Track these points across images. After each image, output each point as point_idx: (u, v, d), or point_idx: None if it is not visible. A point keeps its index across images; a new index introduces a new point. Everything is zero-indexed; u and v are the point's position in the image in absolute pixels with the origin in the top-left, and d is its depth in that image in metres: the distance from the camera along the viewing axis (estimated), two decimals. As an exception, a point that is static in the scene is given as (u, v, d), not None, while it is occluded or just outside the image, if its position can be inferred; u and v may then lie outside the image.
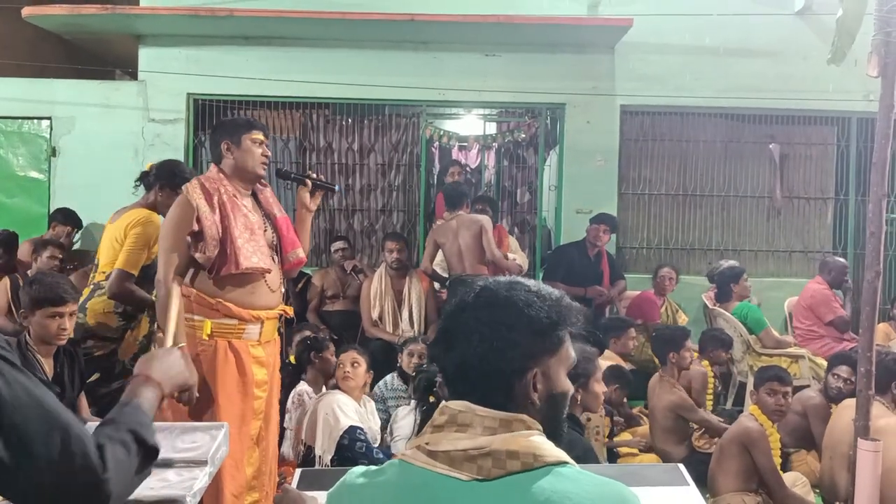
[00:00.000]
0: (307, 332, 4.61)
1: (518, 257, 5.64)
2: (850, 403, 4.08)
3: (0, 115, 6.33)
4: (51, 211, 5.86)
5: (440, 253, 5.39)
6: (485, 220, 5.20)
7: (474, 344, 1.19)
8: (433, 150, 7.21)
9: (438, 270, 5.49)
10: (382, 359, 5.15)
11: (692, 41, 6.39)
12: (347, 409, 3.70)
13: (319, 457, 3.65)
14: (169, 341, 2.69)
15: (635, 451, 4.28)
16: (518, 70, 6.39)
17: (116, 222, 3.72)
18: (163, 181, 3.74)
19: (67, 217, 5.64)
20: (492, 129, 6.98)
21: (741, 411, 5.31)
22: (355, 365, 3.85)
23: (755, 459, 3.50)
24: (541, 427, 1.20)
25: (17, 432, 1.11)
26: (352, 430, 3.61)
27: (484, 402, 1.19)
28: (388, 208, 6.82)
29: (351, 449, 3.57)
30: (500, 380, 1.19)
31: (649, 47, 6.39)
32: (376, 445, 3.77)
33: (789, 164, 6.79)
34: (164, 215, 3.69)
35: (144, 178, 3.86)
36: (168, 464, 1.85)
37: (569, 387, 1.26)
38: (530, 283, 1.27)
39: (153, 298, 3.59)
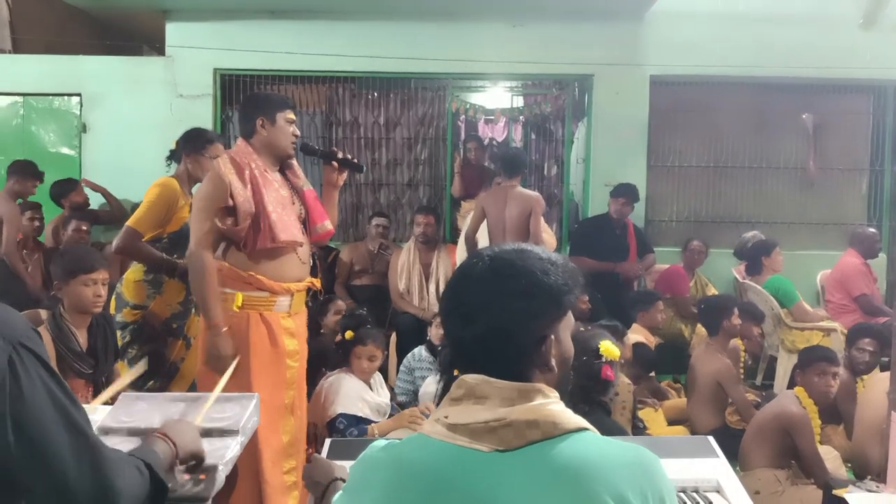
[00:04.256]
0: None
1: (547, 234, 5.56)
2: (882, 377, 4.04)
3: (31, 91, 6.40)
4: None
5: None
6: (537, 200, 4.92)
7: (496, 315, 1.18)
8: (459, 123, 7.16)
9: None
10: (411, 333, 5.20)
11: (724, 8, 6.23)
12: (345, 394, 3.71)
13: (317, 435, 3.71)
14: (217, 313, 2.84)
15: (662, 423, 4.27)
16: (545, 41, 6.30)
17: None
18: (188, 148, 3.75)
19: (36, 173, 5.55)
20: (519, 102, 6.91)
21: (771, 386, 5.31)
22: (372, 359, 3.86)
23: (798, 444, 3.46)
24: (557, 394, 1.20)
25: (48, 459, 1.16)
26: (335, 419, 3.65)
27: (501, 374, 1.18)
28: (415, 182, 6.80)
29: (330, 435, 3.61)
30: (523, 349, 1.19)
31: (680, 15, 6.25)
32: (385, 417, 3.80)
33: (823, 135, 6.64)
34: (198, 179, 3.70)
35: (174, 154, 3.89)
36: (201, 433, 1.88)
37: (573, 349, 1.27)
38: (537, 249, 1.26)
39: (173, 260, 3.64)
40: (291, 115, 3.04)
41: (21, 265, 5.03)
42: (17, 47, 6.65)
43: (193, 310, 3.73)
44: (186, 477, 1.72)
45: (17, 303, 4.82)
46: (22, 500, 1.21)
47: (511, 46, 6.30)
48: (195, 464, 1.62)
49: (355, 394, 3.75)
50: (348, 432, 3.61)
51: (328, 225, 3.17)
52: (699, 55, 6.28)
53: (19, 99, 6.44)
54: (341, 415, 3.66)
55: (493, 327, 1.18)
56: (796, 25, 6.26)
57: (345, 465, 1.67)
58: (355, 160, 3.24)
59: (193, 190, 3.66)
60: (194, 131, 3.85)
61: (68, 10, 6.53)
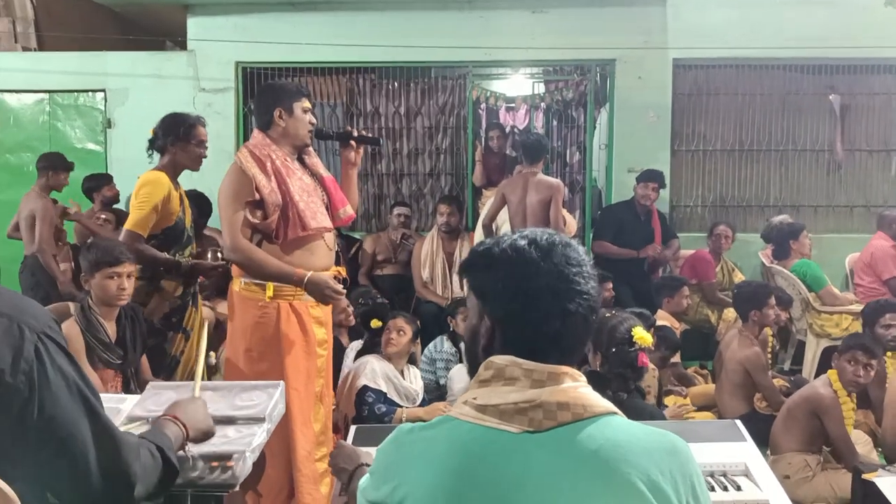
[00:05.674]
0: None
1: (568, 220, 5.53)
2: (909, 361, 3.98)
3: (56, 88, 6.49)
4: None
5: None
6: (558, 187, 4.94)
7: (565, 303, 1.18)
8: (480, 111, 7.14)
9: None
10: (434, 322, 5.21)
11: (748, -10, 6.16)
12: (371, 370, 3.75)
13: (346, 416, 3.74)
14: (291, 271, 2.88)
15: (690, 407, 4.23)
16: (567, 26, 6.25)
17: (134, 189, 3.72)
18: (172, 137, 3.63)
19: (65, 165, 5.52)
20: (540, 88, 6.87)
21: (800, 371, 5.25)
22: (401, 333, 3.88)
23: (827, 427, 3.44)
24: (585, 378, 1.21)
25: (69, 442, 1.22)
26: (362, 391, 3.68)
27: (554, 357, 1.19)
28: (436, 172, 6.80)
29: (359, 410, 3.65)
30: (588, 332, 1.23)
31: (703, -3, 6.19)
32: (416, 405, 3.83)
33: (850, 116, 6.53)
34: (186, 167, 3.66)
35: (154, 144, 3.75)
36: (228, 421, 1.91)
37: None
38: (568, 238, 1.28)
39: (176, 259, 3.64)
40: (307, 104, 3.04)
41: (53, 261, 5.10)
42: (43, 45, 6.75)
43: (191, 302, 3.74)
44: (215, 464, 1.75)
45: (47, 298, 4.87)
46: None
47: (532, 33, 6.26)
48: (221, 457, 1.68)
49: (381, 372, 3.78)
50: (376, 407, 3.63)
51: (349, 210, 3.20)
52: (722, 37, 6.20)
53: (45, 96, 6.53)
54: (369, 388, 3.68)
55: (567, 311, 1.18)
56: (820, 5, 6.15)
57: (370, 451, 1.68)
58: (370, 134, 3.25)
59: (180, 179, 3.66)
60: (173, 119, 3.71)
61: (92, 7, 6.60)
